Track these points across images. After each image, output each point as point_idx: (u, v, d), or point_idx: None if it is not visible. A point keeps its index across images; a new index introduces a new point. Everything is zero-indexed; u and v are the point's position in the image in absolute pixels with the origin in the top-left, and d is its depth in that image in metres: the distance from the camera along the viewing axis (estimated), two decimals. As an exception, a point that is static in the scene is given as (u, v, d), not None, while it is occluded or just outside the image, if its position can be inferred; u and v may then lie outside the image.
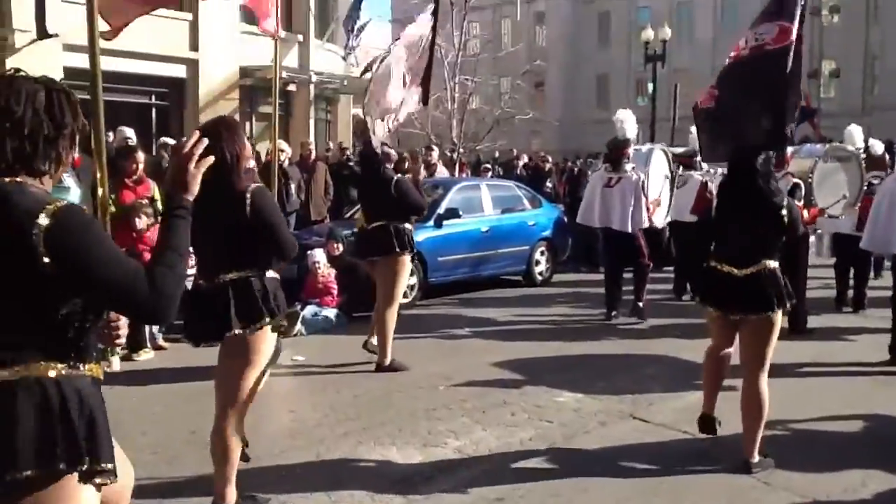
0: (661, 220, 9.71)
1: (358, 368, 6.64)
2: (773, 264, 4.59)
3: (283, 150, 10.32)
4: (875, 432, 5.31)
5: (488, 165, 14.50)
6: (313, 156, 11.55)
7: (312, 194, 10.62)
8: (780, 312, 4.57)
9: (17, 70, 2.06)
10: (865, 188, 8.96)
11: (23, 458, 1.90)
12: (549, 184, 13.74)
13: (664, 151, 10.03)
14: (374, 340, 6.62)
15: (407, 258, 6.53)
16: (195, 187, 2.17)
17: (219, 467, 3.68)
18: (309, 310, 8.15)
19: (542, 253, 11.37)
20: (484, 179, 11.02)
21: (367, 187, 6.86)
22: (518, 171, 15.11)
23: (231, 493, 3.69)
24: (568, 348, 7.51)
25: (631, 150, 9.02)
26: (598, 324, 8.79)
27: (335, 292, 8.47)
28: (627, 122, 9.05)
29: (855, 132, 10.08)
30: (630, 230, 8.75)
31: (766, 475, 4.45)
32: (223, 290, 3.56)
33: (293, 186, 10.37)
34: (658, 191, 9.65)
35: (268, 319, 3.57)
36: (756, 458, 4.55)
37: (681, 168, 10.43)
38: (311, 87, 20.73)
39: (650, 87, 26.40)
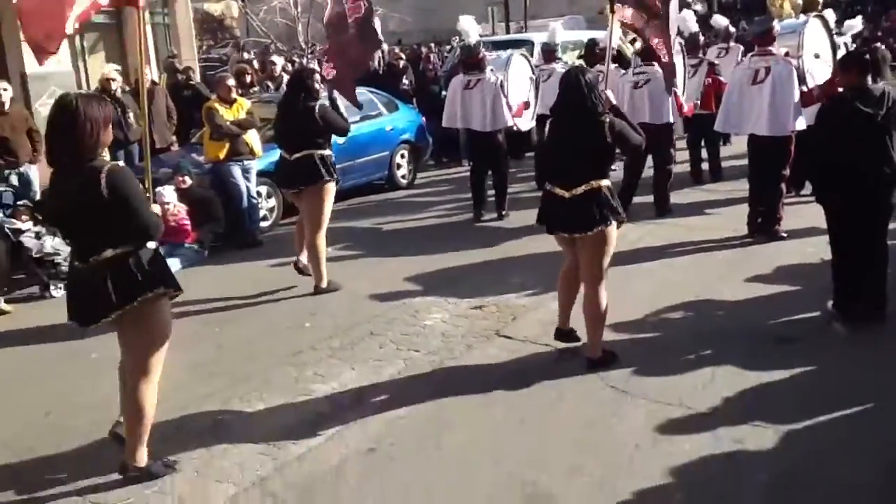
0: (527, 122, 9.77)
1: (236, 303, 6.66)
2: (604, 183, 4.68)
3: (113, 80, 9.59)
4: (722, 324, 5.59)
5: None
6: (148, 84, 10.69)
7: (154, 121, 9.91)
8: (612, 226, 4.68)
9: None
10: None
11: None
12: (405, 81, 13.38)
13: (524, 56, 10.08)
14: (304, 258, 6.81)
15: (332, 185, 6.65)
16: None
17: (132, 426, 3.80)
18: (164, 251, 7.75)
19: (402, 156, 11.30)
20: (333, 91, 10.58)
21: (288, 116, 6.70)
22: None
23: (143, 454, 3.85)
24: (435, 262, 7.47)
25: (484, 54, 9.11)
26: (465, 228, 8.86)
27: (189, 228, 8.08)
28: (471, 30, 9.20)
29: None
30: (489, 129, 8.88)
31: (624, 384, 4.64)
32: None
33: (131, 115, 9.68)
34: (525, 94, 9.78)
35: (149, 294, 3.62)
36: (599, 353, 4.87)
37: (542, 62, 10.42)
38: (145, -11, 19.12)
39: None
